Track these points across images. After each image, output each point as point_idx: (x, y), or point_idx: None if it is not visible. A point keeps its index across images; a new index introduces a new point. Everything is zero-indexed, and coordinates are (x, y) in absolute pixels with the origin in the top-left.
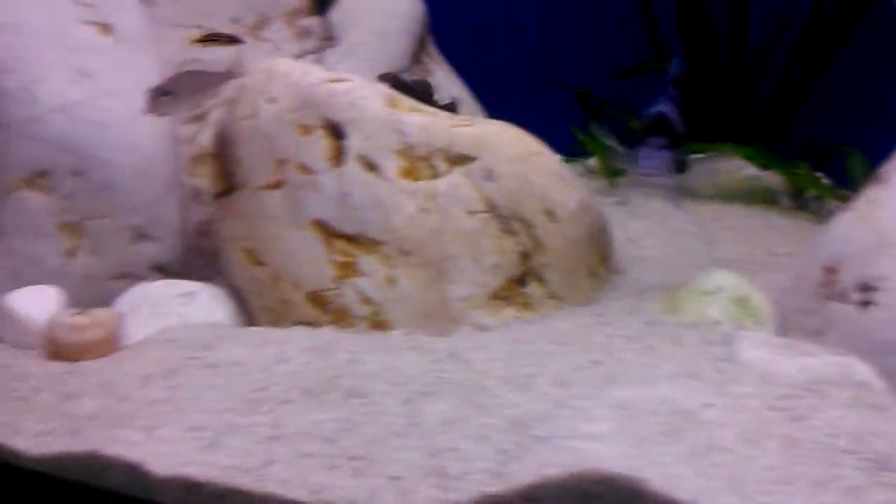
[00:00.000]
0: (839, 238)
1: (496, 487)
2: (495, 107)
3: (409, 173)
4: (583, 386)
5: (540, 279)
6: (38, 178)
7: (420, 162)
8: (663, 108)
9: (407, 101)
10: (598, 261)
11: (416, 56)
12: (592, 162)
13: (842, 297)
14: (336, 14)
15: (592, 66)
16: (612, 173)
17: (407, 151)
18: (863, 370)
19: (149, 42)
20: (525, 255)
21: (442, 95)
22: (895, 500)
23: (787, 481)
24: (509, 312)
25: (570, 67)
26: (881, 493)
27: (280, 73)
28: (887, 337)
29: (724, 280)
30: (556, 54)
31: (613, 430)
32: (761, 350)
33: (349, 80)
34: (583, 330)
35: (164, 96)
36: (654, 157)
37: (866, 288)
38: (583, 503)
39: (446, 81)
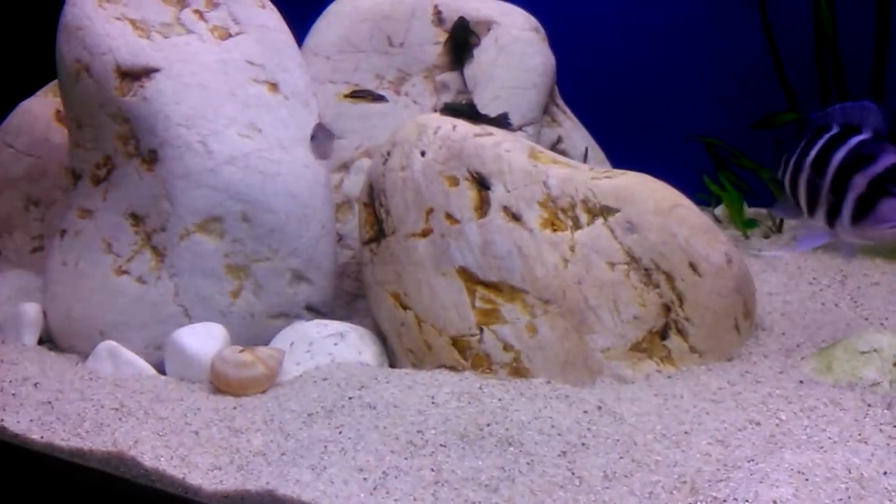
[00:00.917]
0: None
1: None
2: (621, 155)
3: (551, 224)
4: (746, 447)
5: (682, 332)
6: (212, 223)
7: (562, 213)
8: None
9: (548, 154)
10: (742, 315)
11: (546, 108)
12: (719, 211)
13: None
14: (471, 70)
15: (720, 117)
16: (745, 224)
17: (549, 202)
18: None
19: (310, 98)
20: (667, 308)
21: (567, 145)
22: None
23: None
24: (649, 365)
25: (696, 118)
26: None
27: (431, 127)
28: None
29: (881, 340)
30: (683, 104)
31: (794, 496)
32: None
33: (494, 135)
34: (733, 388)
35: (323, 142)
36: None
37: None
38: None
39: (573, 131)
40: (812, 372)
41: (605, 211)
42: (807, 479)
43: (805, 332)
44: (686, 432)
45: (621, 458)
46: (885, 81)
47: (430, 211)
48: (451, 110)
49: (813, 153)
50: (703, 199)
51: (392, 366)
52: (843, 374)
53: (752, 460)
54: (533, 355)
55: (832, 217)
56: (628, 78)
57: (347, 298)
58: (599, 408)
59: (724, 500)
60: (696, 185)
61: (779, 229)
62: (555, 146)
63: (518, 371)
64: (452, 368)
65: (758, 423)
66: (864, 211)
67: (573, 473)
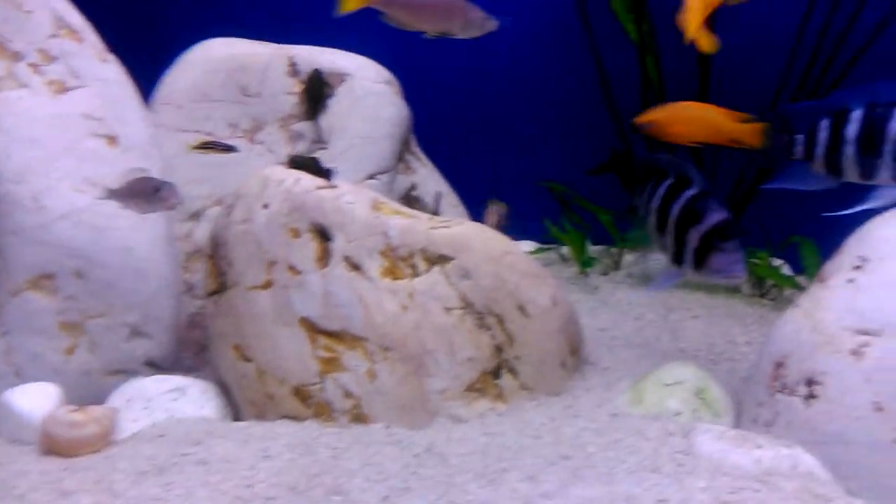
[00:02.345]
0: (786, 334)
1: None
2: (477, 200)
3: (391, 272)
4: (552, 482)
5: (513, 371)
6: (44, 279)
7: (401, 262)
8: (723, 212)
9: (391, 205)
10: (568, 352)
11: (400, 156)
12: (566, 250)
13: (789, 390)
14: (326, 119)
15: (568, 162)
16: (584, 263)
17: (389, 252)
18: (809, 461)
19: (152, 150)
20: (499, 349)
21: (421, 191)
22: None
23: None
24: (484, 404)
25: (546, 163)
26: None
27: (274, 180)
28: (829, 429)
29: (684, 372)
30: (536, 150)
31: None
32: (717, 442)
33: (337, 187)
34: (553, 423)
35: (119, 199)
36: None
37: (810, 382)
38: None
39: (427, 178)
40: (625, 404)
41: (442, 259)
42: None
43: (626, 365)
44: (503, 469)
45: (438, 499)
46: None
47: (272, 263)
48: (296, 163)
49: (656, 201)
50: (556, 237)
51: (236, 418)
52: (652, 406)
53: (547, 495)
54: (373, 401)
55: (678, 260)
56: (485, 126)
57: (196, 349)
58: (429, 450)
59: None
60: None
61: (616, 266)
62: (409, 193)
63: (359, 417)
64: (295, 418)
65: (568, 458)
66: (700, 262)
67: None
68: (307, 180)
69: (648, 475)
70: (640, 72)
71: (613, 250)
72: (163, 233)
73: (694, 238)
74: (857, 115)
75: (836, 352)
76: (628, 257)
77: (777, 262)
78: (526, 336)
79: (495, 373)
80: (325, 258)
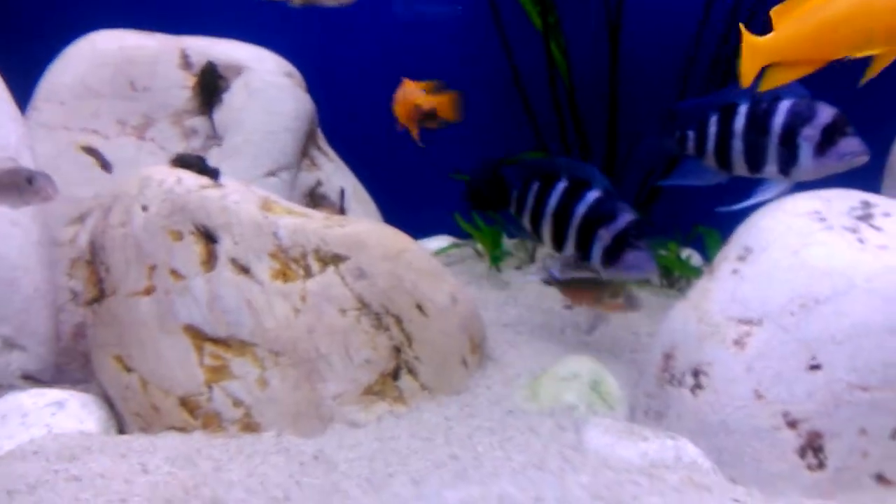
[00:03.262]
0: (675, 326)
1: None
2: (389, 194)
3: (283, 274)
4: (433, 484)
5: (412, 372)
6: None
7: (293, 263)
8: (633, 212)
9: (282, 204)
10: (469, 350)
11: (304, 151)
12: (480, 245)
13: (677, 381)
14: (222, 114)
15: (482, 155)
16: (494, 258)
17: (280, 253)
18: (693, 452)
19: (24, 151)
20: (397, 350)
21: (327, 188)
22: None
23: None
24: (383, 406)
25: (460, 156)
26: None
27: (154, 180)
28: (714, 419)
29: (580, 365)
30: (449, 143)
31: None
32: (606, 436)
33: (223, 186)
34: (448, 423)
35: (43, 186)
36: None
37: (697, 373)
38: None
39: (334, 174)
40: (522, 400)
41: (336, 259)
42: None
43: (528, 360)
44: (390, 475)
45: None
46: (618, 123)
47: (153, 268)
48: (180, 162)
49: (553, 203)
50: (467, 231)
51: (121, 431)
52: (548, 401)
53: (421, 497)
54: (264, 409)
55: (582, 257)
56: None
57: (84, 360)
58: (316, 458)
59: None
60: (465, 220)
61: (531, 259)
62: (314, 190)
63: (249, 426)
64: (182, 430)
65: (457, 459)
66: (612, 258)
67: None
68: (190, 180)
69: (533, 473)
70: (547, 60)
71: (528, 244)
72: (36, 238)
73: (606, 237)
74: (742, 111)
75: (720, 342)
76: (543, 250)
77: (688, 251)
78: (425, 335)
79: (394, 374)
80: (210, 261)
